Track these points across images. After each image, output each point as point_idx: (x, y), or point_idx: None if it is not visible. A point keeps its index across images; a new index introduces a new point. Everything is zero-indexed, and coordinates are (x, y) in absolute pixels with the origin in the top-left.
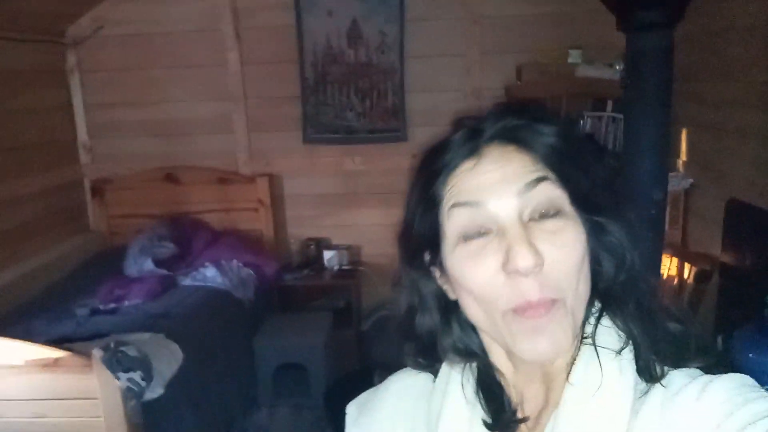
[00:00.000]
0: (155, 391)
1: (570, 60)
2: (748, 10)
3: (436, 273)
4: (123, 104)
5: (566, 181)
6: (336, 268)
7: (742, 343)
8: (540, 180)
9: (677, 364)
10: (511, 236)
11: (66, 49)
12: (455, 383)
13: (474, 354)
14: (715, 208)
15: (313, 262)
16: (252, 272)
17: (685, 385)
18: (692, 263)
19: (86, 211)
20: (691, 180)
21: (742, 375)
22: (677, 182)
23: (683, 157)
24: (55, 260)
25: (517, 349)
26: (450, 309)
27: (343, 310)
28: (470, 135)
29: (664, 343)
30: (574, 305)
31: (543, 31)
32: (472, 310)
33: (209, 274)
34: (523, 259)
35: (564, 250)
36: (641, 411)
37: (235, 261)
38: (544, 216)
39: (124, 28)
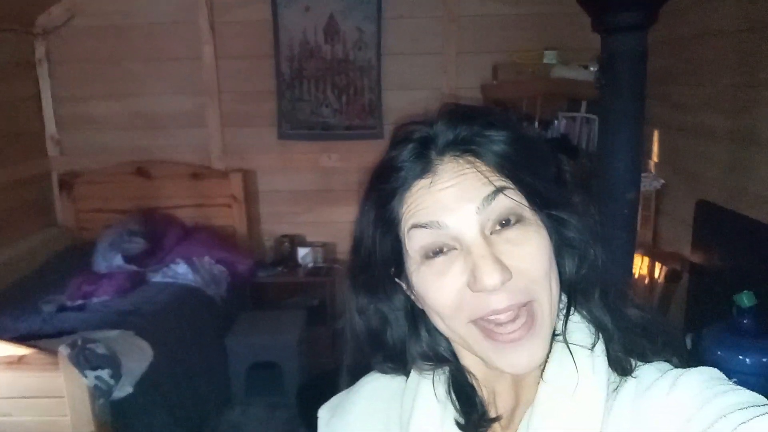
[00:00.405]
0: (124, 390)
1: (546, 60)
2: (719, 16)
3: (403, 285)
4: (93, 96)
5: (522, 186)
6: (310, 265)
7: (711, 341)
8: (497, 192)
9: (646, 357)
10: (475, 255)
11: (35, 39)
12: (426, 383)
13: (444, 359)
14: (685, 209)
15: (288, 259)
16: (224, 269)
17: (655, 379)
18: (663, 263)
19: (54, 205)
20: (662, 181)
21: (711, 368)
22: (649, 183)
23: (655, 158)
24: (21, 255)
25: (492, 364)
26: (417, 316)
27: (318, 307)
28: (421, 149)
29: (632, 335)
30: (549, 303)
31: (520, 32)
32: (439, 325)
33: (180, 271)
34: (490, 277)
35: (530, 261)
36: (613, 407)
37: (207, 257)
38: (505, 225)
39: (97, 18)
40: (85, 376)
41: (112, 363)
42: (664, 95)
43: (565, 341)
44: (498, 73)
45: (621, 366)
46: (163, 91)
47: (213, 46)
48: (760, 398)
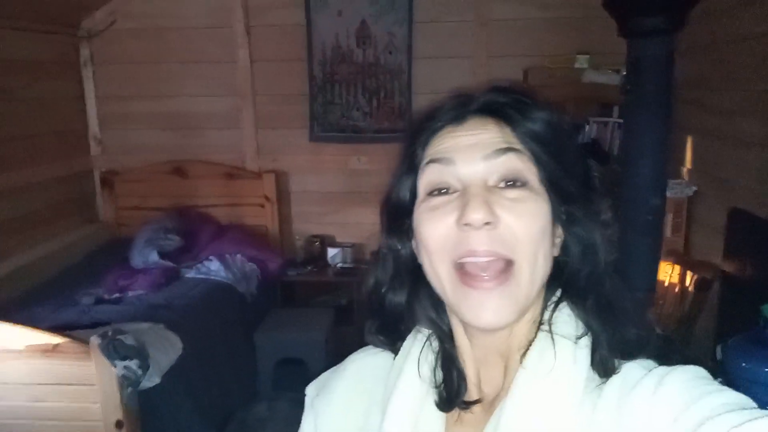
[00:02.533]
0: (152, 380)
1: (577, 65)
2: (754, 19)
3: (413, 242)
4: (134, 97)
5: (538, 160)
6: (339, 265)
7: (736, 352)
8: (508, 150)
9: (628, 355)
10: (470, 193)
11: (80, 42)
12: (412, 361)
13: (441, 329)
14: (717, 217)
15: (317, 258)
16: (256, 267)
17: (641, 377)
18: (693, 271)
19: (95, 202)
20: (694, 187)
21: (696, 367)
22: (681, 189)
23: (688, 164)
24: (63, 249)
25: (462, 315)
26: (421, 282)
27: (345, 307)
28: (459, 104)
29: (620, 343)
30: (530, 274)
31: (551, 36)
32: (426, 266)
33: (213, 268)
34: (475, 212)
35: (522, 218)
36: (598, 405)
37: (239, 255)
38: (509, 185)
39: (138, 21)
40: (114, 366)
41: (141, 354)
42: (698, 100)
43: (550, 330)
44: (528, 77)
45: (604, 366)
46: (200, 93)
47: (248, 50)
48: (747, 399)
